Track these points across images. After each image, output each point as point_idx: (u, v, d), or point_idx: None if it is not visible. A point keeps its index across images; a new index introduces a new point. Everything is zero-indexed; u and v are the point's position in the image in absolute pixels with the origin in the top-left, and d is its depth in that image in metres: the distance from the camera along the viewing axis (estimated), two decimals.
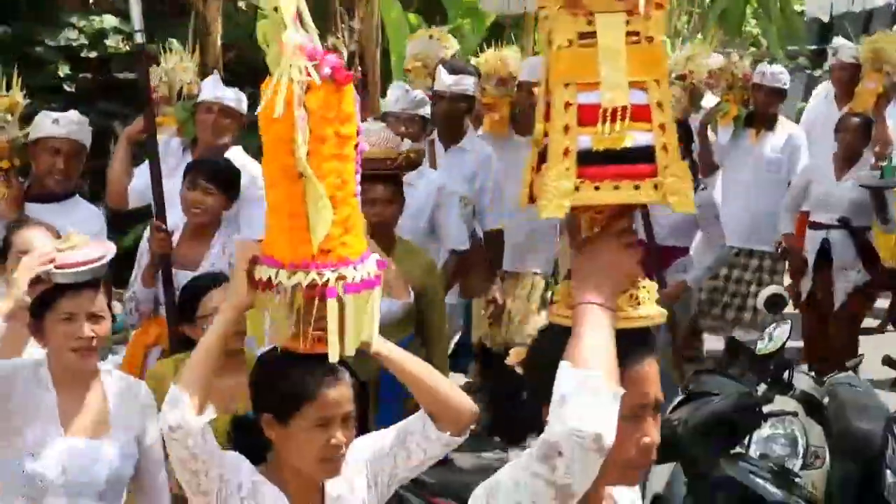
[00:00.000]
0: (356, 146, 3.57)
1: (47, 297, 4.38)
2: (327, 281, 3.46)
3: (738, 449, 6.31)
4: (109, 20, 13.18)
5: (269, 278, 3.49)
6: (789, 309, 9.53)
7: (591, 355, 2.81)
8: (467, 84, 8.52)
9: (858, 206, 9.06)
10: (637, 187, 3.03)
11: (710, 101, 10.97)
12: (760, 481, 6.02)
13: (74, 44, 13.03)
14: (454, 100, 8.47)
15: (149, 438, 4.69)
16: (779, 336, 6.81)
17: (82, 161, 6.84)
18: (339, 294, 3.48)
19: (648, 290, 3.11)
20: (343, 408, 3.63)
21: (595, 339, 2.85)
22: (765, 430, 6.48)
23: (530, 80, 8.37)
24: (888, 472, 6.13)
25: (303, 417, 3.57)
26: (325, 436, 3.59)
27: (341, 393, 3.63)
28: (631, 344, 2.93)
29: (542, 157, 3.16)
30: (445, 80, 8.49)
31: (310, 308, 3.47)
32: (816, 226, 9.28)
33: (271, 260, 3.51)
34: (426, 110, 8.24)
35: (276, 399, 3.61)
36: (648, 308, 3.09)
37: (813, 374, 7.06)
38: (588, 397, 2.75)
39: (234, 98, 7.72)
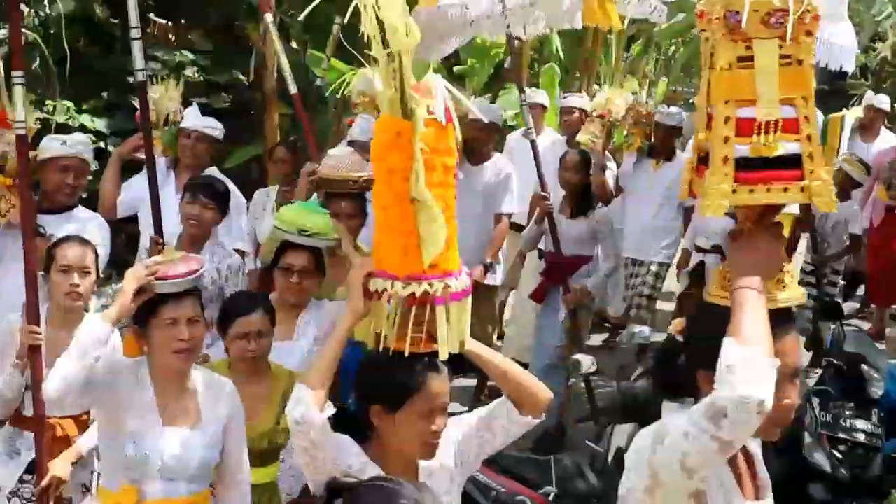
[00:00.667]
0: (455, 175, 3.90)
1: (151, 306, 4.59)
2: (436, 290, 3.77)
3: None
4: (186, 54, 14.21)
5: (385, 289, 3.78)
6: None
7: (753, 333, 3.25)
8: None
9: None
10: (786, 190, 3.45)
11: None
12: None
13: (157, 73, 13.54)
14: None
15: (232, 429, 4.93)
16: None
17: (87, 176, 7.25)
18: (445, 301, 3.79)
19: (791, 274, 3.56)
20: (443, 398, 3.94)
21: (754, 318, 3.29)
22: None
23: (476, 118, 8.99)
24: (806, 434, 6.85)
25: (410, 407, 3.86)
26: (428, 423, 3.90)
27: (442, 386, 3.92)
28: (778, 321, 3.37)
29: (702, 161, 3.60)
30: None
31: (417, 314, 3.78)
32: (698, 249, 9.85)
33: (385, 273, 3.79)
34: None
35: (386, 392, 3.88)
36: (792, 291, 3.53)
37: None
38: (752, 369, 3.19)
39: (211, 126, 8.47)
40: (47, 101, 12.56)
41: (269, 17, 7.79)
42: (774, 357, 3.26)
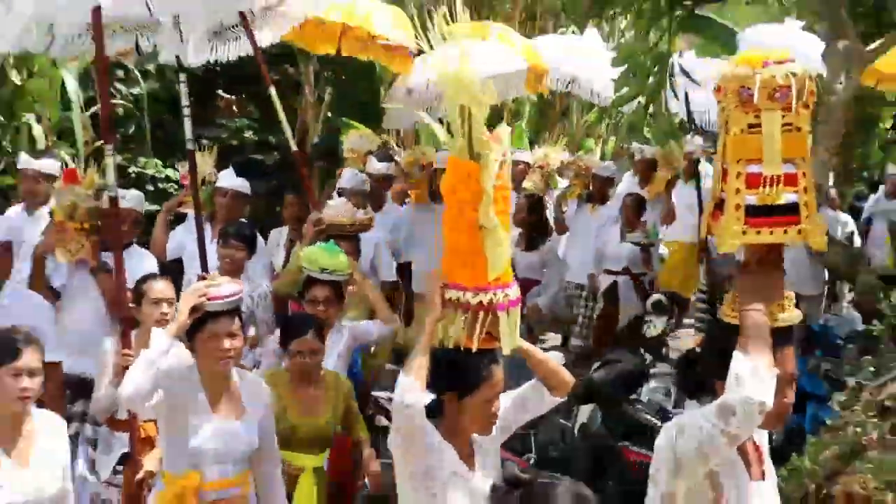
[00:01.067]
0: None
1: (198, 321, 4.63)
2: (499, 299, 3.81)
3: (633, 395, 7.07)
4: (245, 121, 14.89)
5: (458, 298, 3.81)
6: None
7: (757, 348, 3.44)
8: (387, 168, 9.76)
9: (636, 259, 9.79)
10: (786, 232, 3.60)
11: (562, 183, 12.36)
12: (647, 415, 6.83)
13: (223, 136, 14.50)
14: (380, 180, 9.58)
15: (267, 420, 4.95)
16: (659, 326, 8.22)
17: (140, 224, 7.28)
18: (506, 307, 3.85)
19: (789, 300, 3.67)
20: (501, 385, 3.98)
21: (758, 336, 3.47)
22: (651, 384, 7.31)
23: (441, 167, 8.92)
24: None
25: (479, 393, 3.88)
26: (491, 406, 3.94)
27: (501, 375, 3.95)
28: (778, 337, 3.54)
29: (718, 206, 3.71)
30: (375, 166, 9.73)
31: (482, 319, 3.80)
32: (609, 272, 9.95)
33: (458, 285, 3.82)
34: (367, 187, 8.96)
35: (460, 382, 3.88)
36: (790, 313, 3.65)
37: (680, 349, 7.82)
38: (757, 378, 3.39)
39: (242, 185, 8.34)
40: (140, 158, 12.89)
41: (272, 90, 7.48)
42: (775, 366, 3.45)
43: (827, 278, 10.47)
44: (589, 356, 9.71)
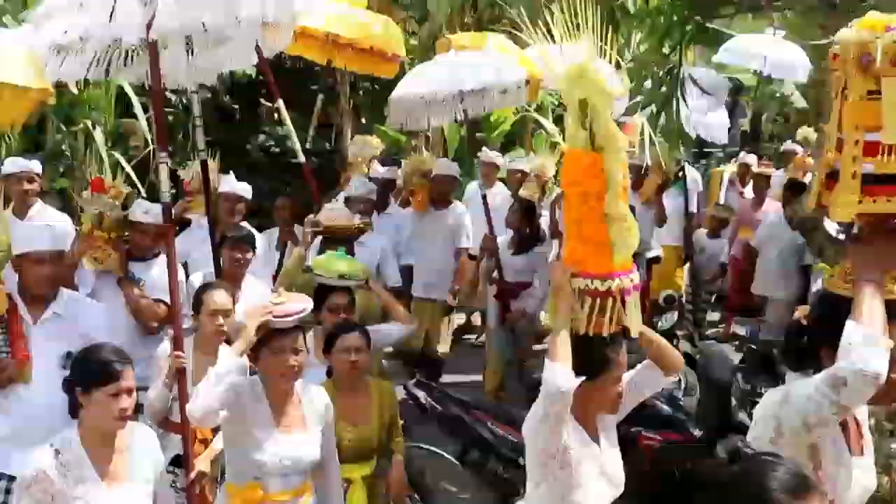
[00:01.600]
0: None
1: (264, 338, 4.50)
2: (626, 284, 3.73)
3: None
4: (287, 129, 14.23)
5: (586, 286, 3.71)
6: None
7: (872, 317, 3.25)
8: (391, 173, 9.87)
9: None
10: None
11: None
12: (659, 403, 6.77)
13: (268, 143, 15.06)
14: (384, 184, 9.61)
15: (328, 431, 4.81)
16: (670, 319, 8.04)
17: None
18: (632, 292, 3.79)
19: None
20: (626, 367, 3.97)
21: (873, 306, 3.27)
22: None
23: (440, 174, 9.45)
24: (733, 399, 6.77)
25: (606, 376, 3.84)
26: (617, 387, 3.93)
27: (625, 357, 3.91)
28: (893, 310, 3.34)
29: (830, 176, 3.53)
30: (379, 170, 9.90)
31: (612, 304, 3.71)
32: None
33: (585, 274, 3.72)
34: (373, 196, 8.88)
35: (589, 366, 3.76)
36: None
37: (689, 342, 7.84)
38: (870, 347, 3.18)
39: (244, 189, 8.17)
40: (186, 162, 12.82)
41: (280, 102, 7.66)
42: (890, 339, 3.26)
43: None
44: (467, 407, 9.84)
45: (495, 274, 8.88)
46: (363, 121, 15.35)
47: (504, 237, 9.06)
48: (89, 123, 11.10)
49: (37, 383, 5.05)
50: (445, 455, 6.51)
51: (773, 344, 7.98)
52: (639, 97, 6.82)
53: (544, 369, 3.70)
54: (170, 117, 12.62)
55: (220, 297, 5.70)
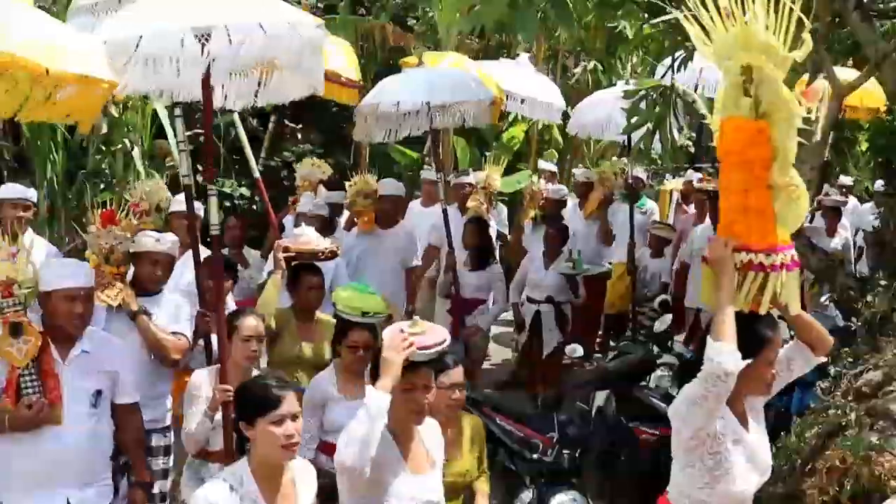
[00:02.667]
0: None
1: None
2: (790, 258, 3.55)
3: (643, 382, 7.16)
4: (308, 147, 15.12)
5: (749, 260, 3.51)
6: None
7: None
8: (339, 197, 9.11)
9: (559, 288, 9.08)
10: None
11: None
12: (655, 400, 6.84)
13: (289, 160, 14.77)
14: (331, 208, 8.88)
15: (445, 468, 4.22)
16: (665, 322, 7.79)
17: (172, 268, 6.00)
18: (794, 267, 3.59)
19: None
20: (780, 347, 3.75)
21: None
22: (658, 372, 7.31)
23: (386, 194, 8.75)
24: None
25: (763, 356, 3.62)
26: (772, 368, 3.69)
27: (780, 337, 3.71)
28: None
29: None
30: (326, 194, 9.22)
31: (774, 279, 3.52)
32: (532, 301, 9.17)
33: (747, 247, 3.51)
34: (324, 211, 8.51)
35: (745, 345, 3.51)
36: None
37: (683, 345, 7.94)
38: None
39: (197, 207, 7.02)
40: (218, 179, 12.89)
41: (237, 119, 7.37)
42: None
43: None
44: (510, 384, 9.63)
45: (453, 289, 8.61)
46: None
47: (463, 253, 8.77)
48: (127, 143, 11.11)
49: (67, 424, 4.55)
50: None
51: None
52: (635, 118, 6.79)
53: (707, 348, 3.47)
54: (200, 137, 12.68)
55: (252, 323, 5.34)
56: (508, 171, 15.14)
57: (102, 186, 11.08)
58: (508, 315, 9.94)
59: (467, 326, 8.50)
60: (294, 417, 3.56)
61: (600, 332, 11.03)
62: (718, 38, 3.41)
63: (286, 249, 6.42)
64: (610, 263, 10.58)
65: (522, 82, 10.33)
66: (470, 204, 9.94)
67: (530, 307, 9.22)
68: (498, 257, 10.11)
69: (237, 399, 3.81)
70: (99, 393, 4.69)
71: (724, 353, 3.41)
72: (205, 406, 5.16)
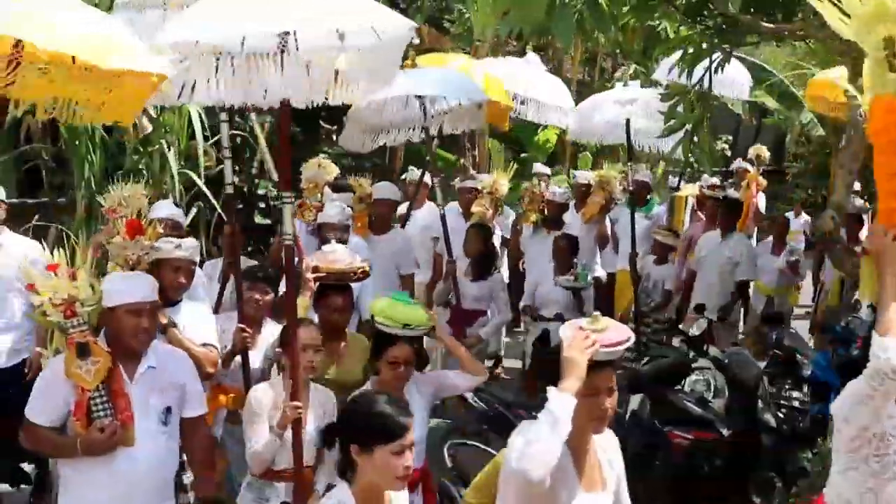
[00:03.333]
0: None
1: None
2: None
3: (678, 386, 7.11)
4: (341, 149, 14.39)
5: None
6: None
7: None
8: (348, 199, 8.35)
9: (571, 304, 8.56)
10: None
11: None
12: (690, 404, 6.85)
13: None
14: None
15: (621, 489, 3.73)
16: (700, 326, 7.89)
17: (194, 274, 5.82)
18: None
19: None
20: None
21: None
22: (693, 376, 7.30)
23: (380, 198, 8.51)
24: (759, 400, 6.82)
25: None
26: None
27: None
28: None
29: None
30: (332, 197, 8.27)
31: None
32: (540, 318, 8.71)
33: None
34: (350, 220, 7.77)
35: None
36: None
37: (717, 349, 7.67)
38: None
39: (179, 215, 7.41)
40: (255, 181, 12.98)
41: (253, 117, 6.61)
42: None
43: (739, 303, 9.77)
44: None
45: (453, 299, 8.39)
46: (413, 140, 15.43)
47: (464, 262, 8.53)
48: (164, 144, 11.20)
49: (139, 444, 4.38)
50: (490, 450, 6.45)
51: (795, 350, 7.90)
52: (672, 120, 6.77)
53: (873, 344, 3.26)
54: (237, 139, 12.75)
55: (310, 333, 5.12)
56: None
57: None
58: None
59: (467, 338, 8.15)
60: (411, 448, 3.37)
61: None
62: (854, 13, 3.20)
63: (315, 269, 6.01)
64: (609, 272, 10.49)
65: (530, 84, 9.76)
66: (474, 209, 9.63)
67: (537, 325, 8.84)
68: (506, 265, 10.09)
69: (348, 418, 3.58)
70: (168, 409, 4.53)
71: (891, 349, 3.22)
72: (267, 422, 4.97)
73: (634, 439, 6.67)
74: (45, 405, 4.39)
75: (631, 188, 10.11)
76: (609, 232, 10.33)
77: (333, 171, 9.05)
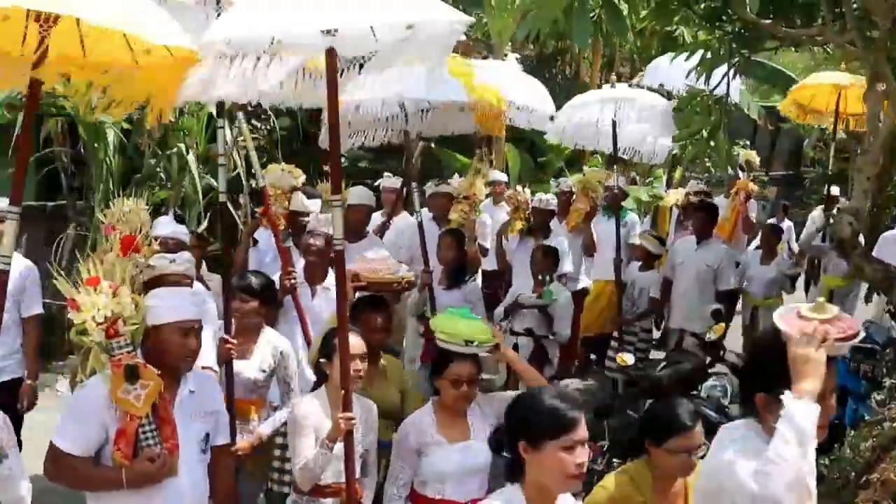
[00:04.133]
0: None
1: None
2: None
3: (694, 391, 7.12)
4: (360, 152, 14.22)
5: None
6: None
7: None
8: (318, 205, 7.96)
9: (540, 319, 8.06)
10: None
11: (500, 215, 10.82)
12: (706, 410, 6.70)
13: (343, 164, 14.60)
14: (308, 216, 7.74)
15: None
16: (717, 331, 7.71)
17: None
18: None
19: None
20: None
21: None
22: (709, 382, 7.36)
23: (354, 203, 8.03)
24: None
25: None
26: None
27: None
28: None
29: None
30: (304, 202, 7.86)
31: None
32: (513, 332, 8.10)
33: None
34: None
35: None
36: None
37: (734, 353, 7.70)
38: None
39: (183, 232, 7.09)
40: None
41: (240, 115, 6.50)
42: None
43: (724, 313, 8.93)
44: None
45: (429, 312, 7.65)
46: (431, 144, 15.39)
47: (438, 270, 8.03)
48: (183, 148, 11.26)
49: (182, 474, 4.06)
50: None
51: None
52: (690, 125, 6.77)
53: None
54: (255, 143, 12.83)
55: (355, 341, 4.78)
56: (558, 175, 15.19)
57: (157, 189, 11.25)
58: None
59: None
60: (583, 444, 3.10)
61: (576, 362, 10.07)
62: None
63: (356, 277, 5.58)
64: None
65: (511, 87, 8.84)
66: (452, 216, 8.98)
67: (509, 339, 7.97)
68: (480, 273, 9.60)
69: (515, 414, 3.28)
70: (207, 436, 4.24)
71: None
72: (314, 436, 4.72)
73: None
74: (80, 433, 3.97)
75: (615, 192, 9.69)
76: (595, 240, 9.87)
77: (299, 175, 8.53)
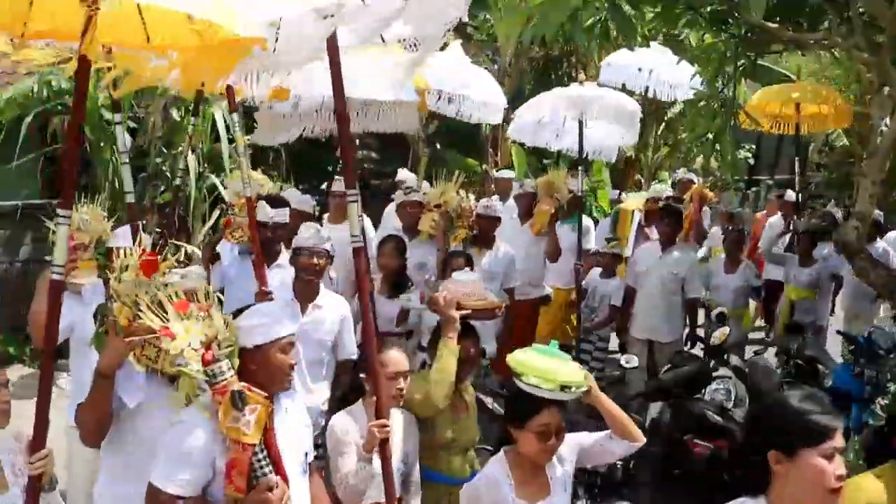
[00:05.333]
0: None
1: None
2: None
3: (698, 395, 7.20)
4: (367, 153, 14.77)
5: None
6: None
7: None
8: (284, 215, 7.13)
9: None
10: None
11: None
12: (710, 412, 6.94)
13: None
14: (275, 227, 6.97)
15: None
16: (721, 335, 7.75)
17: None
18: None
19: None
20: None
21: None
22: (713, 385, 7.34)
23: (299, 209, 7.81)
24: None
25: None
26: None
27: None
28: None
29: None
30: (268, 213, 6.91)
31: None
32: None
33: None
34: (329, 245, 6.42)
35: None
36: None
37: (738, 357, 7.79)
38: None
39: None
40: (279, 183, 13.09)
41: (235, 116, 6.08)
42: None
43: (688, 323, 8.90)
44: None
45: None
46: (437, 146, 15.39)
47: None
48: (188, 148, 11.27)
49: (292, 501, 3.78)
50: None
51: (816, 359, 7.89)
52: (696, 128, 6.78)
53: None
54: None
55: (397, 357, 4.64)
56: None
57: (163, 188, 11.26)
58: None
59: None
60: (842, 452, 2.82)
61: None
62: None
63: (459, 306, 5.01)
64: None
65: (452, 77, 8.55)
66: (422, 226, 8.41)
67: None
68: None
69: (764, 423, 2.94)
70: (306, 455, 4.04)
71: None
72: (355, 451, 4.54)
73: (654, 448, 6.69)
74: (189, 472, 3.63)
75: (577, 195, 9.34)
76: (557, 244, 9.37)
77: (264, 182, 8.08)
